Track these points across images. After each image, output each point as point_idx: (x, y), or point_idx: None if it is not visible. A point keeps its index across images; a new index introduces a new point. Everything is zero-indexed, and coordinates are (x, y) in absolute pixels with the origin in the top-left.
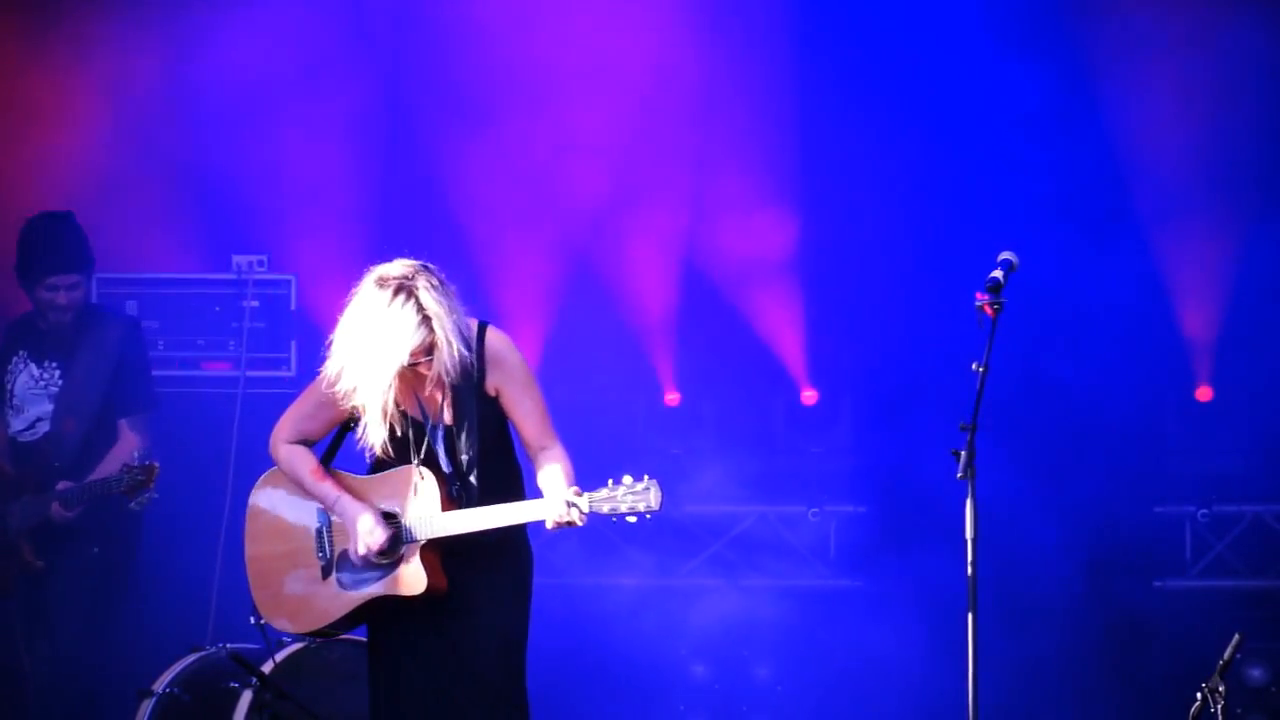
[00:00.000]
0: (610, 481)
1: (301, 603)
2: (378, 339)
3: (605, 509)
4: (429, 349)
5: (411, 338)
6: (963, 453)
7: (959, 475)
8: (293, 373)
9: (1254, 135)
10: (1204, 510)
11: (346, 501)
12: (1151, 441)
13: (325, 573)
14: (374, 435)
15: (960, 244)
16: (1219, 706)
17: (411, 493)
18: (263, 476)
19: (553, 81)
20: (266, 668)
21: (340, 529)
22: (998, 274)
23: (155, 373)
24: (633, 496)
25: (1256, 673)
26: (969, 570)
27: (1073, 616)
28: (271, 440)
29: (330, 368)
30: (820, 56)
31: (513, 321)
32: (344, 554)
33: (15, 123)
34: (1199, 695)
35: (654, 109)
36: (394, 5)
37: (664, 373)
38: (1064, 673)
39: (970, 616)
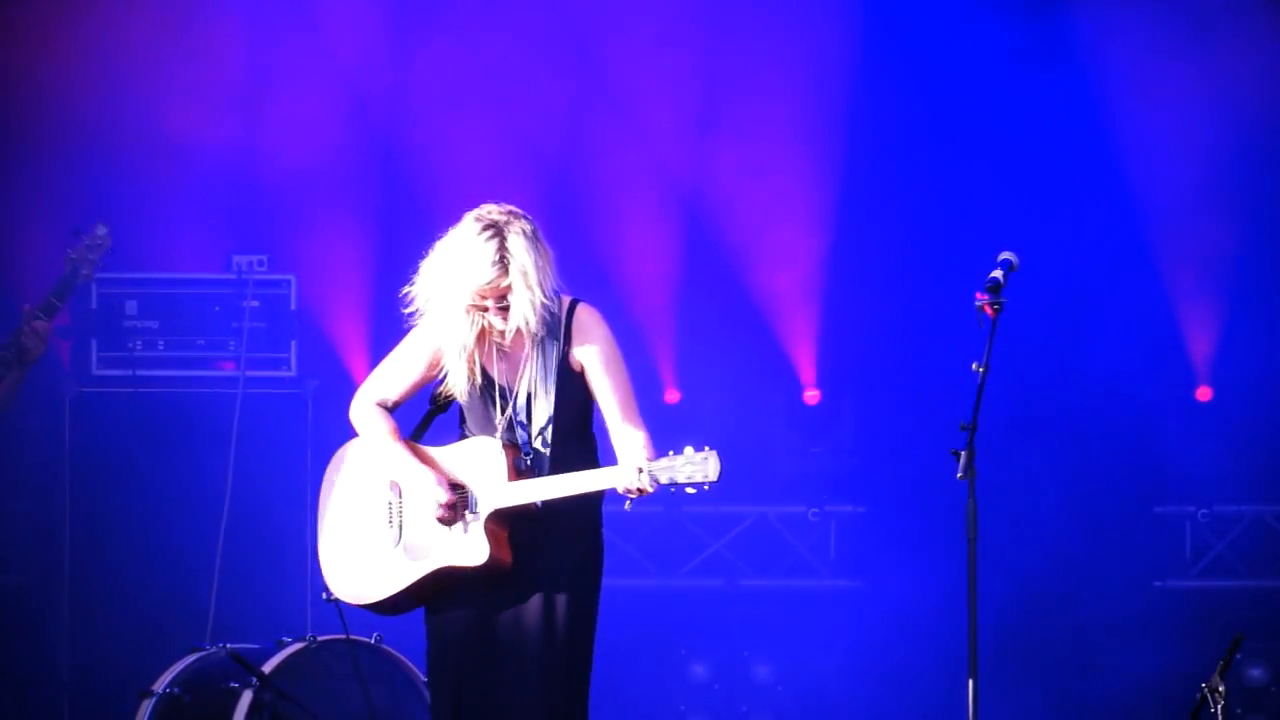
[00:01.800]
0: (670, 452)
1: (370, 572)
2: (452, 269)
3: (664, 479)
4: (503, 295)
5: (484, 274)
6: (963, 453)
7: (959, 475)
8: (293, 373)
9: (1254, 135)
10: (1204, 510)
11: (414, 465)
12: (1151, 441)
13: (395, 542)
14: (455, 380)
15: (961, 244)
16: (1219, 706)
17: (480, 462)
18: (339, 451)
19: (553, 77)
20: (266, 668)
21: (411, 499)
22: (998, 274)
23: (154, 373)
24: (691, 466)
25: (1256, 673)
26: (969, 570)
27: (1073, 616)
28: (354, 402)
29: (413, 295)
30: (829, 60)
31: None
32: (414, 523)
33: (15, 123)
34: (1199, 695)
35: (661, 104)
36: (394, 5)
37: (664, 371)
38: (1064, 672)
39: (970, 616)
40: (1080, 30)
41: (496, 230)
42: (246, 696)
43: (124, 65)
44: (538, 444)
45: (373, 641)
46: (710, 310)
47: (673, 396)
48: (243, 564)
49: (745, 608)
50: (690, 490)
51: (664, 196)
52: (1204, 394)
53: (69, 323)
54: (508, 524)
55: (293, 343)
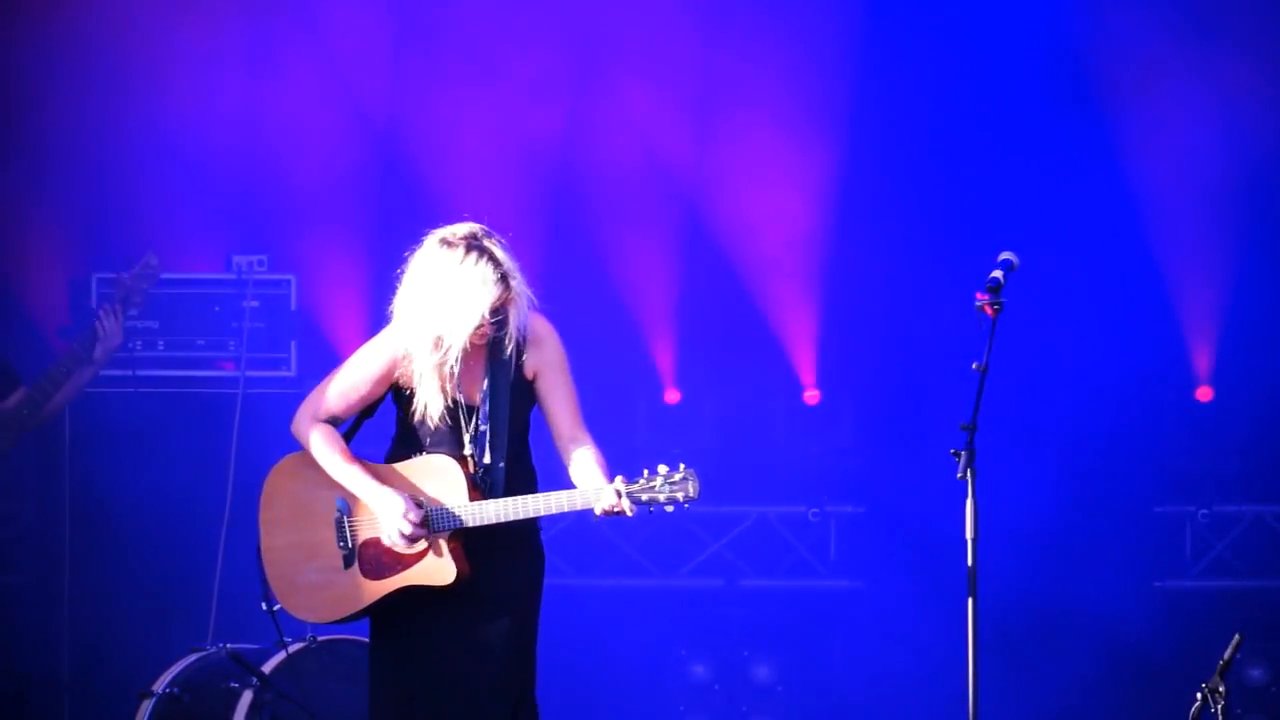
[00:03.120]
0: (646, 472)
1: (322, 593)
2: (457, 296)
3: (644, 498)
4: (498, 309)
5: (492, 292)
6: (963, 453)
7: (959, 475)
8: (293, 373)
9: (1255, 134)
10: (1204, 510)
11: (376, 487)
12: (1151, 441)
13: (347, 562)
14: (433, 406)
15: (961, 244)
16: (1219, 706)
17: (439, 480)
18: (278, 464)
19: (553, 77)
20: (266, 668)
21: (363, 517)
22: (998, 274)
23: (154, 373)
24: (670, 487)
25: (1256, 673)
26: (968, 570)
27: (1073, 617)
28: (297, 418)
29: (401, 332)
30: (829, 60)
31: None
32: (368, 543)
33: (14, 122)
34: (1199, 695)
35: (661, 104)
36: (394, 5)
37: (664, 371)
38: (1064, 673)
39: (970, 616)
40: (1081, 30)
41: (481, 249)
42: (246, 696)
43: (124, 65)
44: (492, 458)
45: None
46: (710, 310)
47: (673, 396)
48: (243, 564)
49: (745, 608)
50: (669, 509)
51: (664, 196)
52: (1204, 394)
53: (69, 323)
54: (462, 538)
55: (293, 343)
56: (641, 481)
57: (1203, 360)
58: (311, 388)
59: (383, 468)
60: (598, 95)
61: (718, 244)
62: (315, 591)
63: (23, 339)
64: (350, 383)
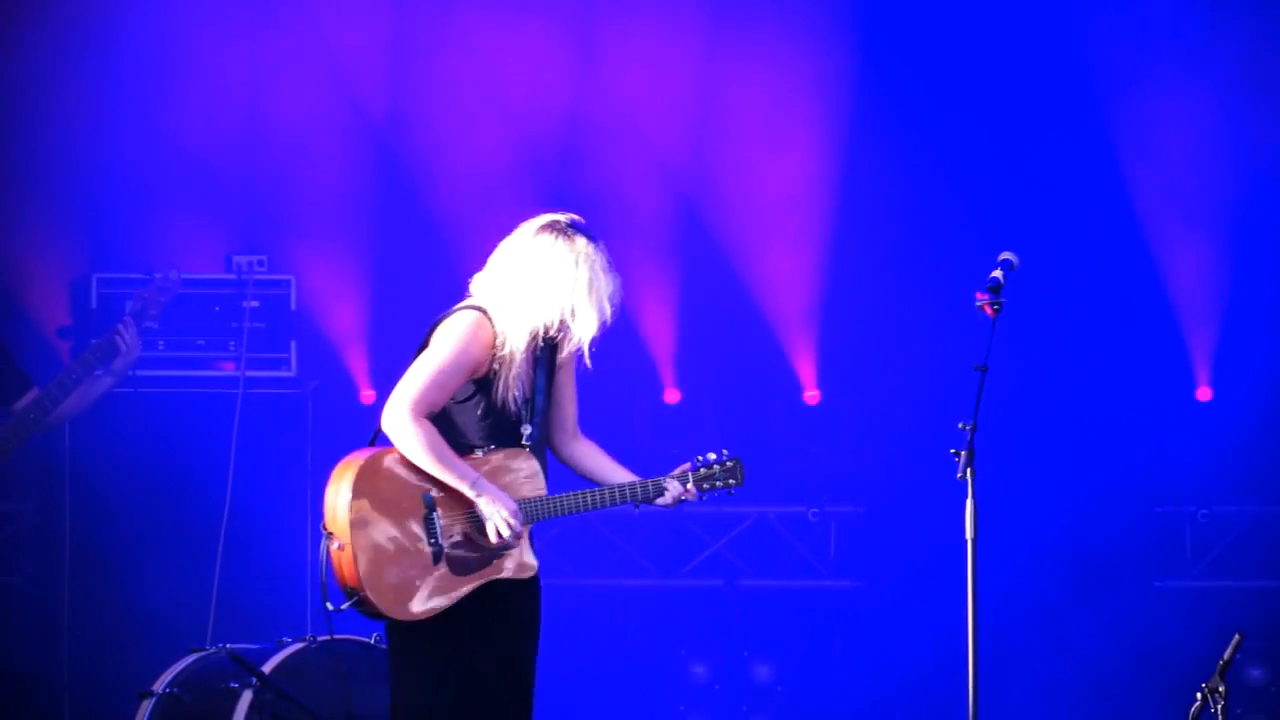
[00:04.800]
0: (699, 457)
1: (411, 589)
2: (605, 284)
3: (705, 486)
4: None
5: (617, 281)
6: (962, 453)
7: (959, 475)
8: (293, 373)
9: (1256, 134)
10: (1204, 510)
11: (486, 485)
12: (1151, 441)
13: (435, 559)
14: (511, 398)
15: (961, 244)
16: (1219, 706)
17: (525, 475)
18: (364, 462)
19: (553, 77)
20: (266, 668)
21: (454, 514)
22: (998, 274)
23: (154, 372)
24: (725, 473)
25: (1256, 673)
26: (968, 570)
27: (1073, 617)
28: (405, 412)
29: (502, 320)
30: (829, 60)
31: None
32: (459, 539)
33: (14, 122)
34: (1199, 695)
35: (661, 103)
36: (394, 5)
37: (664, 371)
38: (1063, 673)
39: (970, 617)
40: (1081, 29)
41: (594, 237)
42: (246, 696)
43: (124, 65)
44: (544, 451)
45: (372, 641)
46: (710, 310)
47: (673, 396)
48: (243, 564)
49: (745, 608)
50: (727, 492)
51: (664, 196)
52: (1204, 394)
53: (69, 323)
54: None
55: (293, 343)
56: (704, 470)
57: (1203, 360)
58: (311, 388)
59: (472, 463)
60: (598, 95)
61: (718, 244)
62: (404, 588)
63: (23, 339)
64: (449, 374)
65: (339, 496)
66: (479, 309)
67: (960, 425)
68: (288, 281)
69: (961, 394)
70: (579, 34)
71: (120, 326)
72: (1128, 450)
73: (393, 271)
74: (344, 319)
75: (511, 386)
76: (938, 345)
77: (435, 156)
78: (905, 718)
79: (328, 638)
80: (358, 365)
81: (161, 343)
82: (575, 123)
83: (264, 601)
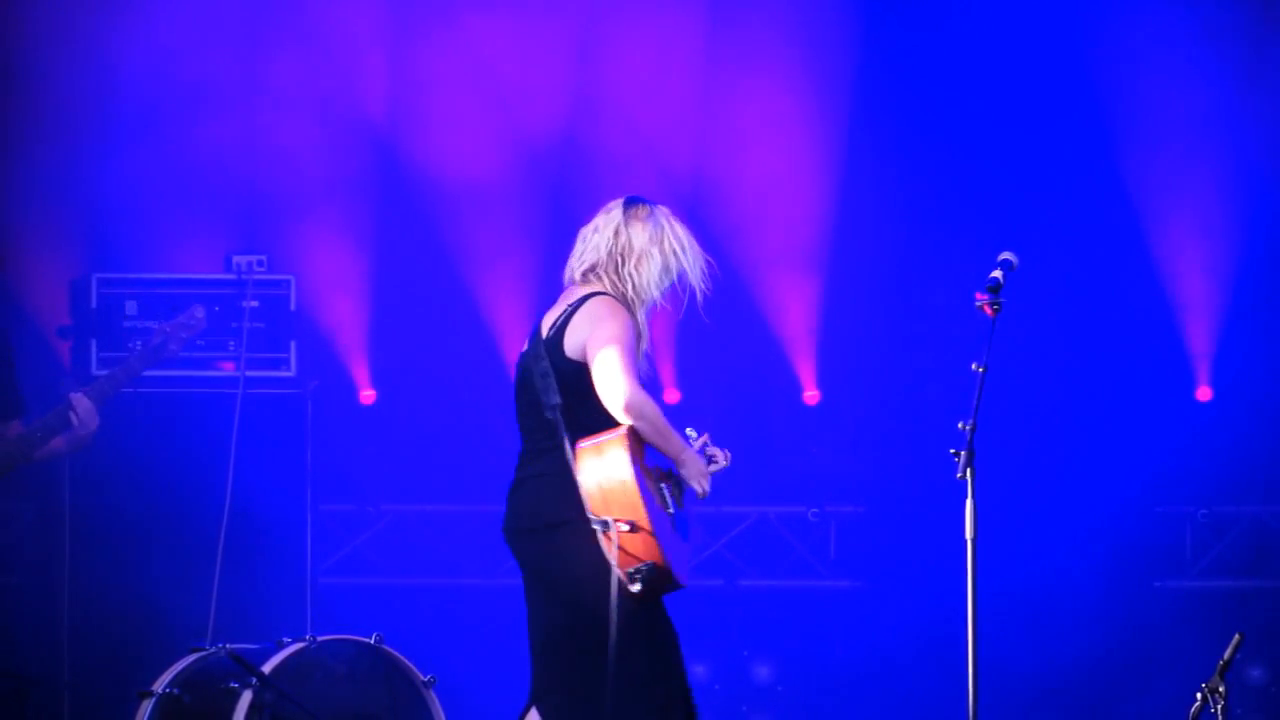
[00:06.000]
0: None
1: (683, 557)
2: (695, 255)
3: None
4: None
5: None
6: (962, 453)
7: (959, 475)
8: (293, 373)
9: (1256, 134)
10: (1204, 510)
11: (690, 449)
12: (1151, 441)
13: (673, 525)
14: (640, 366)
15: (961, 244)
16: (1219, 706)
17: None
18: (614, 444)
19: (553, 77)
20: (266, 668)
21: (664, 485)
22: (998, 274)
23: (154, 372)
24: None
25: (1256, 673)
26: (969, 570)
27: (1073, 617)
28: (639, 394)
29: (634, 299)
30: (829, 59)
31: (512, 315)
32: (677, 507)
33: (14, 122)
34: (1199, 695)
35: (661, 102)
36: (393, 5)
37: (664, 371)
38: (1063, 673)
39: (970, 617)
40: (1081, 28)
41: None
42: (246, 696)
43: (123, 64)
44: None
45: (372, 642)
46: (711, 309)
47: (673, 396)
48: (243, 564)
49: (745, 608)
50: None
51: (664, 196)
52: (1204, 394)
53: (69, 323)
54: None
55: (293, 343)
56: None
57: (1203, 360)
58: (311, 388)
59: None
60: (597, 95)
61: (718, 244)
62: (680, 556)
63: (23, 339)
64: (632, 350)
65: (619, 476)
66: (605, 294)
67: (960, 425)
68: (288, 281)
69: (961, 394)
70: (579, 34)
71: (73, 398)
72: (1128, 450)
73: (393, 272)
74: (344, 319)
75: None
76: (938, 345)
77: (435, 156)
78: (905, 718)
79: (328, 638)
80: (358, 365)
81: None
82: (575, 123)
83: (264, 601)
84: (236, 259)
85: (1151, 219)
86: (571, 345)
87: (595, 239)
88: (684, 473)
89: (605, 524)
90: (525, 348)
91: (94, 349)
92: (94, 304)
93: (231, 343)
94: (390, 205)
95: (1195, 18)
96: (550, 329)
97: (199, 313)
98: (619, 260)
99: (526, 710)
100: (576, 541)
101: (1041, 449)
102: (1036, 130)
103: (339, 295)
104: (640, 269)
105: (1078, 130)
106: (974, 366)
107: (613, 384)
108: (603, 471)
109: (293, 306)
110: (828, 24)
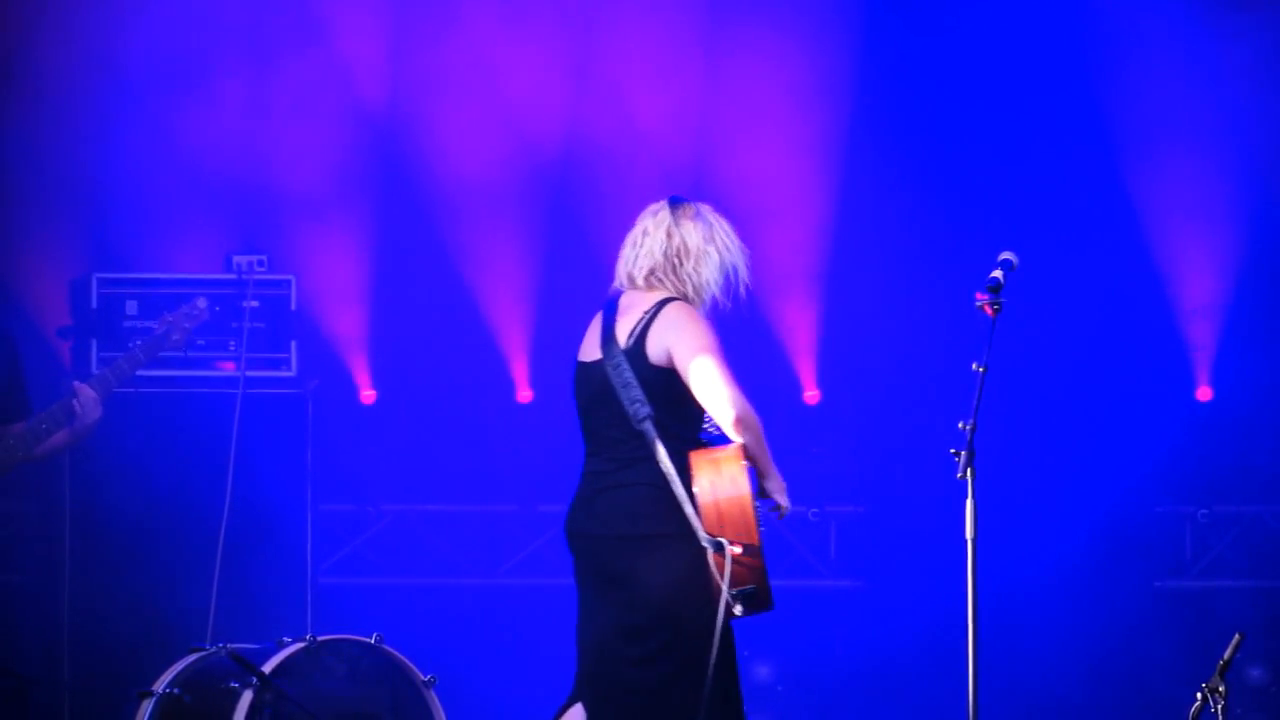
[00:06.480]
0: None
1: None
2: (739, 253)
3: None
4: None
5: None
6: (962, 453)
7: (959, 475)
8: (293, 373)
9: (1256, 133)
10: (1204, 510)
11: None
12: (1151, 441)
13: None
14: None
15: (961, 244)
16: (1219, 706)
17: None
18: (732, 461)
19: (553, 77)
20: (267, 668)
21: (760, 502)
22: (998, 274)
23: (154, 372)
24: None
25: (1256, 673)
26: (968, 570)
27: (1073, 617)
28: (748, 406)
29: (703, 302)
30: (829, 60)
31: (511, 315)
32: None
33: (14, 121)
34: (1199, 695)
35: (661, 103)
36: (394, 5)
37: None
38: (1064, 673)
39: (970, 617)
40: (1082, 29)
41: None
42: (246, 696)
43: (124, 65)
44: None
45: (372, 642)
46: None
47: None
48: (243, 564)
49: None
50: None
51: (664, 196)
52: (1204, 394)
53: (70, 323)
54: None
55: (293, 343)
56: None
57: (1202, 360)
58: (311, 388)
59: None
60: (598, 96)
61: None
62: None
63: (23, 339)
64: (727, 361)
65: (738, 496)
66: (677, 299)
67: (960, 425)
68: (288, 281)
69: (961, 394)
70: (580, 35)
71: (76, 387)
72: (1128, 450)
73: (393, 272)
74: (344, 319)
75: None
76: (938, 345)
77: (436, 156)
78: (905, 717)
79: (328, 638)
80: (358, 365)
81: None
82: (576, 124)
83: (264, 601)
84: (237, 259)
85: (1151, 219)
86: (655, 353)
87: (648, 242)
88: (769, 486)
89: (719, 545)
90: (591, 356)
91: (94, 349)
92: (94, 304)
93: (232, 343)
94: (391, 205)
95: (1196, 18)
96: (629, 338)
97: (201, 303)
98: (676, 261)
99: (564, 709)
100: (677, 555)
101: (1042, 449)
102: (1037, 130)
103: (339, 295)
104: (700, 268)
105: (1078, 130)
106: (974, 366)
107: (720, 396)
108: (722, 489)
109: (293, 306)
110: (828, 24)
